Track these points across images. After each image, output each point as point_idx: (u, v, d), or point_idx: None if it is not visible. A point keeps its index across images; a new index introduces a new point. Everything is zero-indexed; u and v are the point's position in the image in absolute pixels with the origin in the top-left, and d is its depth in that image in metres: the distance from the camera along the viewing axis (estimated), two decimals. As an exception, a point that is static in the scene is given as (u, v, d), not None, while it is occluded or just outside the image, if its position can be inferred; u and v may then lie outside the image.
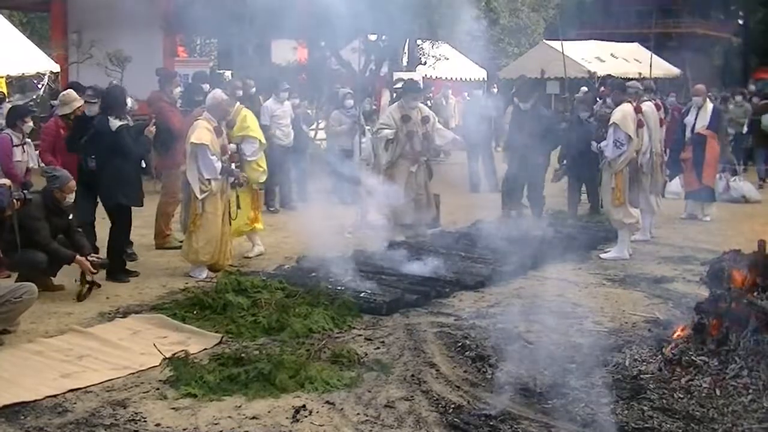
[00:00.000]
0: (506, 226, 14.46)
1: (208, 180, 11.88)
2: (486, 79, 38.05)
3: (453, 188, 20.01)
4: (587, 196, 17.46)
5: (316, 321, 9.61)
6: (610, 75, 33.42)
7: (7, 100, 20.10)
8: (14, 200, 9.82)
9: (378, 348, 8.98)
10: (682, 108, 21.05)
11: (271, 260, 13.15)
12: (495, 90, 32.90)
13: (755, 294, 8.16)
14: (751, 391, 7.44)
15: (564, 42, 27.36)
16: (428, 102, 27.20)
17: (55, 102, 16.57)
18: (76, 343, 9.01)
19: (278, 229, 15.85)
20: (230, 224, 12.46)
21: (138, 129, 11.98)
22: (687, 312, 9.48)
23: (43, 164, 13.27)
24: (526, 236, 13.78)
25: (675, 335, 8.58)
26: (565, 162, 17.01)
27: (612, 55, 43.54)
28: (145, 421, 7.05)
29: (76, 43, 28.48)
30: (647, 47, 39.14)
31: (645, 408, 7.23)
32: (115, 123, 11.64)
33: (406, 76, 23.94)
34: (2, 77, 23.28)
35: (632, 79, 18.67)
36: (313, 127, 18.95)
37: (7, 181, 9.69)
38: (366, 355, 8.70)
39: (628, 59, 43.45)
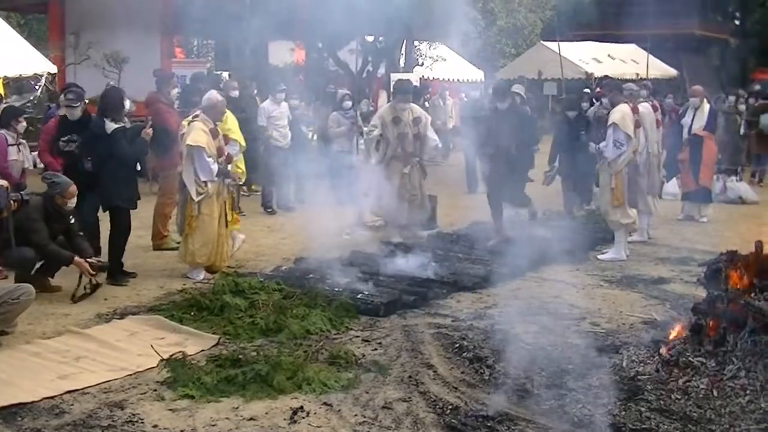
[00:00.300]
0: (503, 228, 14.44)
1: (205, 182, 11.87)
2: (483, 80, 38.04)
3: (450, 189, 20.02)
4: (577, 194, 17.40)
5: (314, 322, 9.61)
6: (607, 76, 33.39)
7: (4, 101, 20.09)
8: (11, 201, 9.82)
9: (375, 349, 8.99)
10: (679, 109, 21.05)
11: (269, 261, 13.15)
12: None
13: (752, 295, 8.17)
14: (748, 392, 7.45)
15: (561, 43, 27.39)
16: (426, 103, 27.22)
17: (53, 104, 16.61)
18: (74, 344, 9.01)
19: (276, 231, 15.86)
20: (227, 226, 12.45)
21: (135, 131, 11.94)
22: (684, 313, 9.50)
23: (41, 165, 13.29)
24: (523, 237, 13.77)
25: (672, 336, 8.59)
26: (556, 164, 17.02)
27: (609, 56, 43.53)
28: (142, 423, 7.06)
29: (73, 44, 28.47)
30: (644, 48, 39.12)
31: (642, 409, 7.24)
32: (110, 126, 11.61)
33: (403, 77, 23.92)
34: (-1, 78, 23.29)
35: (629, 80, 18.69)
36: (311, 128, 18.90)
37: (4, 183, 9.70)
38: (363, 356, 8.70)
39: (626, 60, 43.44)
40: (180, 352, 8.49)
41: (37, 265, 10.98)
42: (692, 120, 17.34)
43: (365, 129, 16.32)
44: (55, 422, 7.05)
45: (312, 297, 10.32)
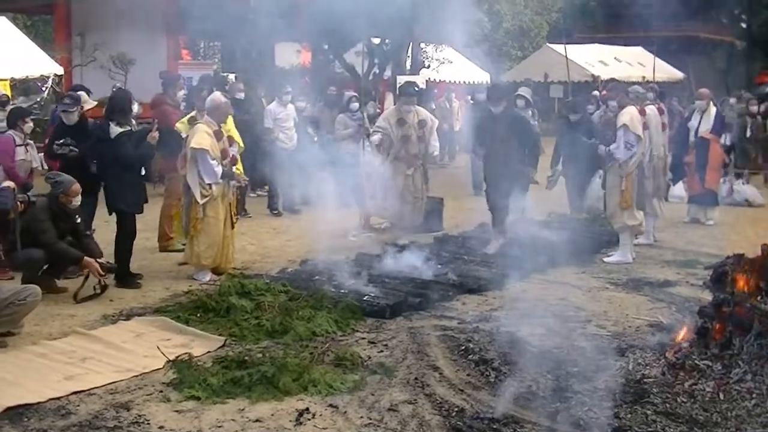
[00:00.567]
0: (509, 230, 14.43)
1: (209, 184, 11.87)
2: (489, 82, 38.03)
3: (456, 192, 20.02)
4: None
5: (320, 324, 9.61)
6: (613, 78, 33.42)
7: (11, 102, 20.14)
8: (18, 202, 9.84)
9: (381, 351, 8.98)
10: (684, 112, 21.06)
11: (275, 263, 13.15)
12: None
13: (759, 298, 8.16)
14: (754, 395, 7.44)
15: (567, 45, 27.38)
16: (432, 105, 27.21)
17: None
18: (80, 345, 9.02)
19: (281, 233, 15.87)
20: (232, 227, 12.46)
21: (140, 135, 11.89)
22: (690, 316, 9.47)
23: (46, 166, 13.32)
24: (529, 240, 13.76)
25: (678, 339, 8.58)
26: (558, 167, 17.00)
27: (615, 58, 43.53)
28: (148, 424, 7.06)
29: (79, 45, 28.52)
30: (651, 51, 39.10)
31: (648, 412, 7.23)
32: (115, 130, 11.58)
33: (409, 79, 23.91)
34: (6, 80, 23.34)
35: (636, 83, 18.67)
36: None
37: (11, 184, 9.72)
38: (369, 358, 8.70)
39: (632, 63, 43.43)
40: (186, 353, 8.50)
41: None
42: (699, 123, 17.33)
43: (371, 131, 16.31)
44: (61, 423, 7.05)
45: (318, 299, 10.32)
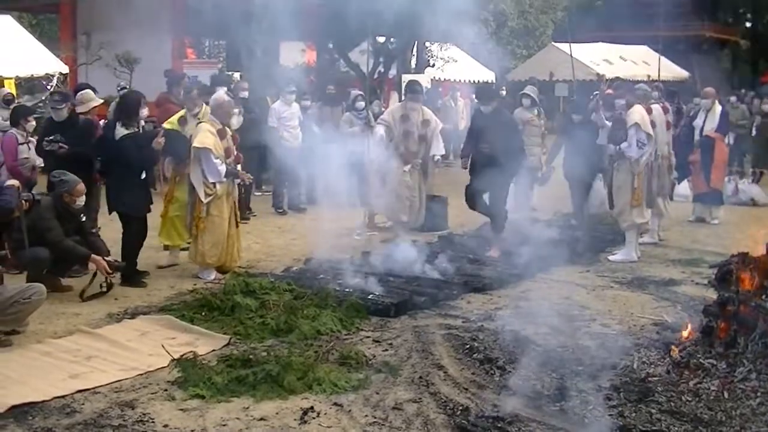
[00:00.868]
0: (513, 229, 14.42)
1: (213, 183, 11.87)
2: (494, 81, 38.02)
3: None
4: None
5: (324, 323, 9.61)
6: (618, 77, 33.35)
7: (16, 101, 20.15)
8: (23, 201, 9.85)
9: (386, 350, 8.99)
10: (684, 109, 21.12)
11: (280, 262, 13.16)
12: (504, 92, 32.89)
13: (763, 297, 8.17)
14: (759, 394, 7.44)
15: (572, 44, 27.33)
16: (437, 104, 27.22)
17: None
18: (85, 344, 9.03)
19: (286, 231, 15.87)
20: (237, 226, 12.46)
21: (146, 138, 11.80)
22: (695, 315, 9.48)
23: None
24: (533, 239, 13.77)
25: (683, 338, 8.58)
26: (553, 165, 16.98)
27: (621, 57, 43.49)
28: (153, 422, 7.07)
29: (85, 44, 28.53)
30: (656, 50, 39.06)
31: (653, 411, 7.23)
32: (120, 131, 11.54)
33: (414, 78, 23.92)
34: (11, 78, 23.34)
35: (641, 82, 18.64)
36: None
37: (15, 182, 9.73)
38: (374, 356, 8.71)
39: (637, 62, 43.40)
40: (191, 352, 8.50)
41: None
42: (704, 122, 17.32)
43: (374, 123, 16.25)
44: (66, 421, 7.06)
45: (323, 297, 10.32)
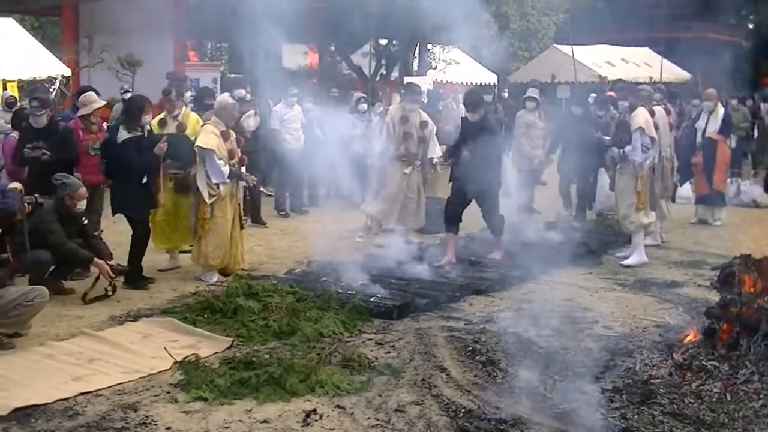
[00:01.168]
0: (516, 231, 14.42)
1: (216, 184, 11.87)
2: (496, 83, 38.03)
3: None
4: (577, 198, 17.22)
5: (327, 325, 9.62)
6: (620, 79, 33.34)
7: (18, 103, 20.16)
8: (25, 204, 9.86)
9: (388, 352, 8.99)
10: (684, 109, 21.15)
11: (282, 264, 13.16)
12: (506, 94, 32.91)
13: (766, 299, 8.16)
14: (762, 396, 7.44)
15: (574, 46, 27.37)
16: (439, 106, 27.20)
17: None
18: (87, 346, 9.03)
19: (289, 233, 15.87)
20: (241, 228, 12.46)
21: (148, 143, 11.75)
22: (697, 317, 9.49)
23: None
24: (535, 241, 13.77)
25: (685, 340, 8.59)
26: (552, 157, 16.97)
27: (623, 59, 43.46)
28: (155, 425, 7.07)
29: (87, 47, 28.55)
30: (658, 51, 39.04)
31: (655, 413, 7.23)
32: (122, 135, 11.51)
33: (416, 80, 23.94)
34: (14, 81, 23.38)
35: (643, 84, 18.64)
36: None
37: (18, 185, 9.72)
38: (376, 359, 8.70)
39: (639, 63, 43.37)
40: (193, 354, 8.50)
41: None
42: (706, 123, 17.31)
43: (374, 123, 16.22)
44: (68, 424, 7.06)
45: (325, 300, 10.33)
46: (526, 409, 7.28)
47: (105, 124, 14.58)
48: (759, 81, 44.66)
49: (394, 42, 27.41)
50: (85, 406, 7.45)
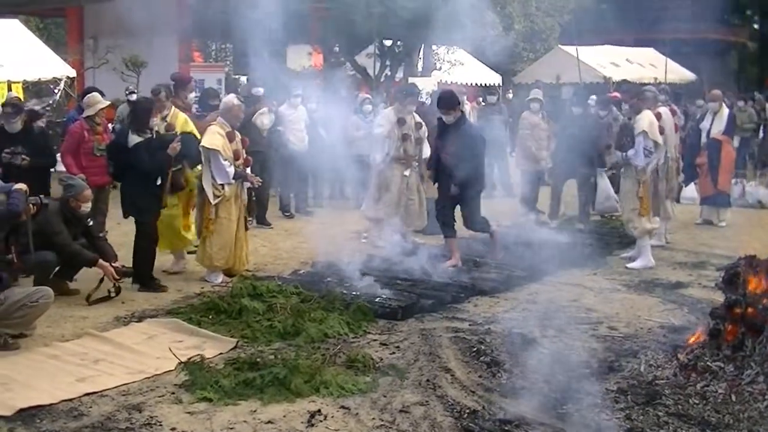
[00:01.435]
0: (521, 232, 14.41)
1: (221, 185, 11.88)
2: (501, 84, 38.01)
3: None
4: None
5: (332, 326, 9.62)
6: (625, 80, 33.36)
7: (24, 105, 20.18)
8: (30, 205, 9.86)
9: (393, 353, 8.99)
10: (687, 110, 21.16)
11: (287, 265, 13.17)
12: (510, 95, 32.88)
13: (771, 299, 8.15)
14: (767, 396, 7.43)
15: (579, 47, 27.34)
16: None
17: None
18: (92, 347, 9.04)
19: (293, 234, 15.87)
20: (246, 229, 12.47)
21: (160, 144, 11.74)
22: (702, 317, 9.47)
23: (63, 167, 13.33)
24: (541, 242, 13.76)
25: (690, 341, 8.57)
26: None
27: (627, 60, 43.38)
28: (160, 425, 7.07)
29: (92, 48, 28.60)
30: (662, 52, 39.01)
31: (660, 414, 7.23)
32: (133, 139, 11.47)
33: (420, 81, 23.92)
34: (19, 82, 23.41)
35: (647, 84, 18.64)
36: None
37: (23, 186, 9.72)
38: (381, 360, 8.70)
39: (644, 64, 43.31)
40: (198, 355, 8.52)
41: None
42: (711, 124, 17.30)
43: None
44: (73, 425, 7.07)
45: (330, 300, 10.34)
46: (531, 410, 7.28)
47: (110, 125, 14.58)
48: (764, 81, 44.64)
49: (398, 43, 27.38)
50: (90, 407, 7.45)
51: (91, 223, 11.25)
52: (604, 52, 41.96)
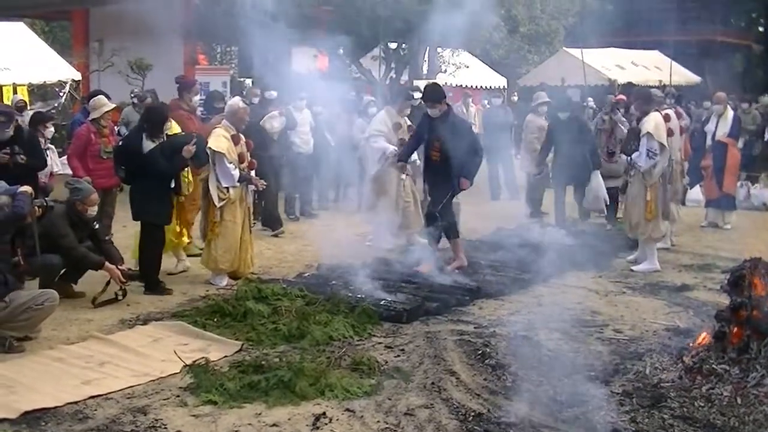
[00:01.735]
0: (527, 235, 14.41)
1: (227, 188, 11.88)
2: (506, 87, 37.99)
3: (473, 196, 19.97)
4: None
5: (336, 328, 9.62)
6: (630, 83, 33.34)
7: (28, 107, 20.22)
8: (35, 207, 9.87)
9: (398, 356, 8.98)
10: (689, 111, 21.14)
11: (292, 268, 13.17)
12: (515, 98, 32.87)
13: (776, 302, 8.14)
14: (772, 399, 7.43)
15: (584, 49, 27.32)
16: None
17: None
18: (97, 349, 9.04)
19: (298, 237, 15.87)
20: (250, 232, 12.47)
21: (173, 147, 11.70)
22: (708, 320, 9.47)
23: (69, 170, 13.35)
24: (546, 244, 13.74)
25: (696, 343, 8.56)
26: (544, 167, 16.90)
27: (632, 62, 43.35)
28: (165, 428, 7.07)
29: (97, 51, 28.65)
30: (667, 55, 38.98)
31: (665, 416, 7.22)
32: (147, 145, 11.43)
33: (426, 84, 23.91)
34: (24, 85, 23.44)
35: (652, 87, 18.63)
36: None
37: (28, 189, 9.73)
38: (386, 362, 8.70)
39: (649, 67, 43.28)
40: (203, 358, 8.52)
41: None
42: (716, 127, 17.30)
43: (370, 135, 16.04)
44: (78, 427, 7.07)
45: (335, 303, 10.34)
46: (536, 413, 7.28)
47: (116, 128, 14.59)
48: (768, 84, 44.51)
49: (403, 45, 27.35)
50: (95, 410, 7.46)
51: (97, 226, 11.26)
52: (609, 54, 41.94)
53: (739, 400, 7.47)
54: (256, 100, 16.90)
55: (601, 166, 15.98)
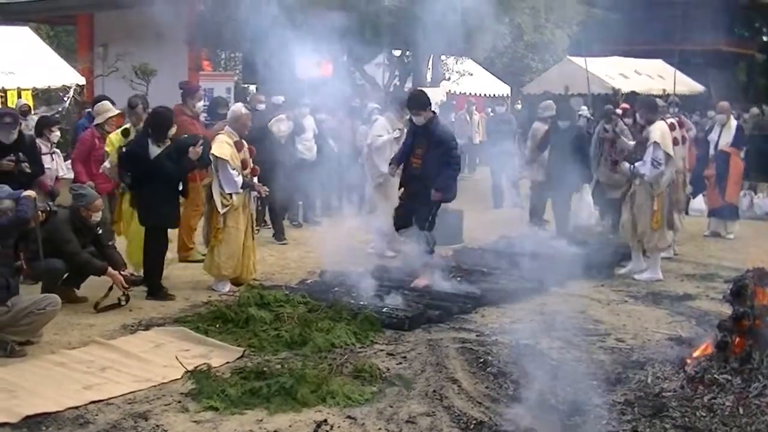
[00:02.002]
0: (529, 243, 14.39)
1: (230, 194, 11.88)
2: (510, 95, 38.00)
3: (476, 204, 20.02)
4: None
5: (339, 336, 9.62)
6: (634, 91, 33.29)
7: (33, 112, 20.24)
8: (39, 212, 9.88)
9: (400, 363, 8.98)
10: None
11: (294, 274, 13.18)
12: (519, 106, 32.88)
13: (779, 312, 8.14)
14: (774, 409, 7.42)
15: (588, 58, 27.30)
16: (451, 117, 27.21)
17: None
18: (99, 354, 9.04)
19: (301, 244, 15.88)
20: (253, 238, 12.47)
21: (179, 149, 11.70)
22: (710, 330, 9.45)
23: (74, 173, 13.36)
24: (548, 253, 13.73)
25: (698, 353, 8.55)
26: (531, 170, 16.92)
27: (636, 71, 43.31)
28: (166, 434, 7.09)
29: (101, 56, 28.66)
30: (671, 63, 38.96)
31: (667, 426, 7.21)
32: (154, 150, 11.45)
33: (429, 91, 23.91)
34: (29, 89, 23.47)
35: (656, 96, 18.65)
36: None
37: (32, 193, 9.74)
38: (388, 370, 8.69)
39: (652, 76, 43.24)
40: (205, 363, 8.51)
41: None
42: (719, 136, 17.30)
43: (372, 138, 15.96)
44: (79, 432, 7.09)
45: (337, 310, 10.33)
46: (538, 422, 7.27)
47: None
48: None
49: (407, 53, 27.36)
50: (96, 415, 7.45)
51: (100, 231, 11.26)
52: (613, 63, 41.93)
53: (741, 411, 7.45)
54: (260, 107, 16.91)
55: (591, 179, 15.98)
